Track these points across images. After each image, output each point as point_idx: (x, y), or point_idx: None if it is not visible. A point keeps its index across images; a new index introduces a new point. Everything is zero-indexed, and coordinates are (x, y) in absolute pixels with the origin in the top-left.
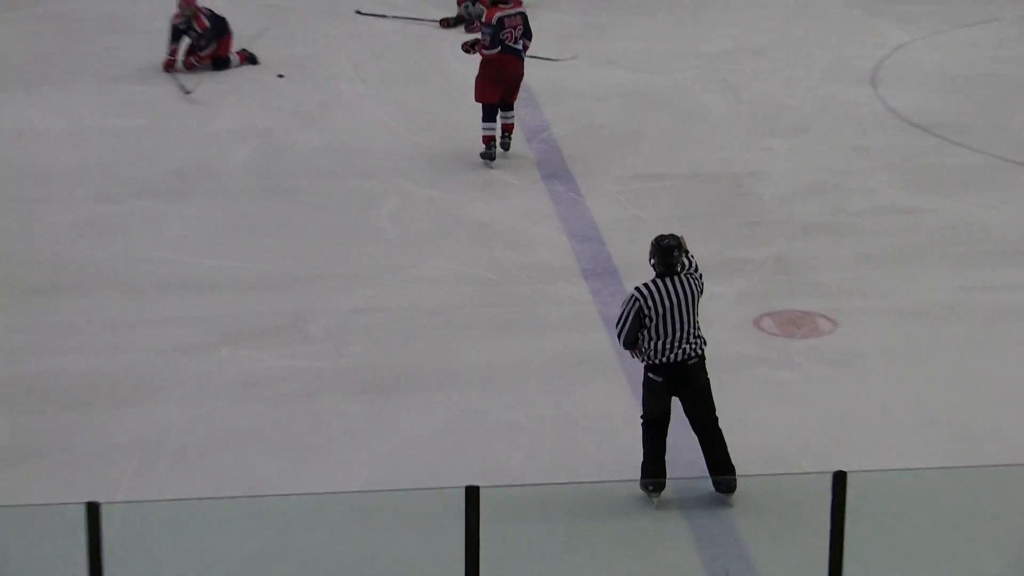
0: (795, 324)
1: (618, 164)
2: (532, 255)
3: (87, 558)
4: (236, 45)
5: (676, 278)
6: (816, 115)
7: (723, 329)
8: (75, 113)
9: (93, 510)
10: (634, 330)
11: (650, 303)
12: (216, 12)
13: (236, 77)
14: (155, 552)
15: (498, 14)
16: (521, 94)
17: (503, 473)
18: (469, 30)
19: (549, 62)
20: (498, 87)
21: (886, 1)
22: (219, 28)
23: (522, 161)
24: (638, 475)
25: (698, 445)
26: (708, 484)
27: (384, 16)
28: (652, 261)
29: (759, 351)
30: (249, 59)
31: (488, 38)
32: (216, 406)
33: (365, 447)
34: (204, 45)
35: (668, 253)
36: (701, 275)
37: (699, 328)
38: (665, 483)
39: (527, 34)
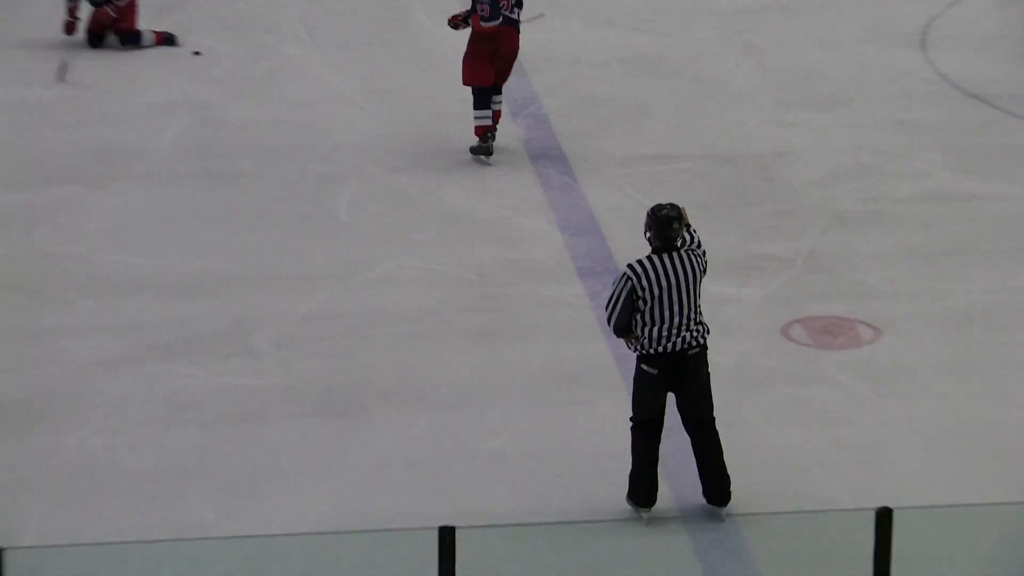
0: (831, 333)
1: (620, 143)
2: (519, 251)
3: None
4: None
5: (675, 254)
6: (855, 84)
7: (744, 339)
8: None
9: None
10: (626, 314)
11: (644, 283)
12: None
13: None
14: None
15: None
16: None
17: (483, 511)
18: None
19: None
20: (493, 67)
21: None
22: None
23: (506, 140)
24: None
25: (689, 447)
26: (707, 490)
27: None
28: (648, 234)
29: (787, 365)
30: (167, 40)
31: (488, 7)
32: (142, 432)
33: (320, 480)
34: None
35: (666, 225)
36: (704, 251)
37: (701, 313)
38: (656, 496)
39: (519, 1)
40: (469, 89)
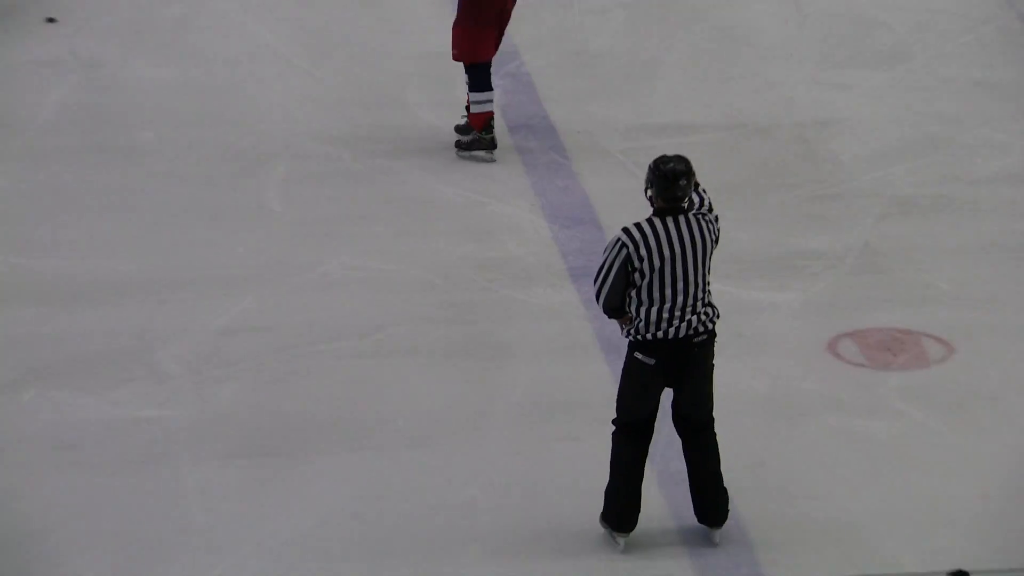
0: (889, 349)
1: (622, 110)
2: (494, 247)
3: None
4: None
5: (681, 218)
6: (918, 35)
7: (781, 357)
8: None
9: None
10: (619, 289)
11: (643, 251)
12: None
13: None
14: None
15: None
16: None
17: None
18: None
19: None
20: (495, 32)
21: None
22: None
23: None
24: None
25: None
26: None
27: None
28: (649, 193)
29: (835, 389)
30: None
31: None
32: (17, 478)
33: (246, 537)
34: None
35: (672, 181)
36: (717, 217)
37: (710, 292)
38: (636, 520)
39: None
40: (436, 52)
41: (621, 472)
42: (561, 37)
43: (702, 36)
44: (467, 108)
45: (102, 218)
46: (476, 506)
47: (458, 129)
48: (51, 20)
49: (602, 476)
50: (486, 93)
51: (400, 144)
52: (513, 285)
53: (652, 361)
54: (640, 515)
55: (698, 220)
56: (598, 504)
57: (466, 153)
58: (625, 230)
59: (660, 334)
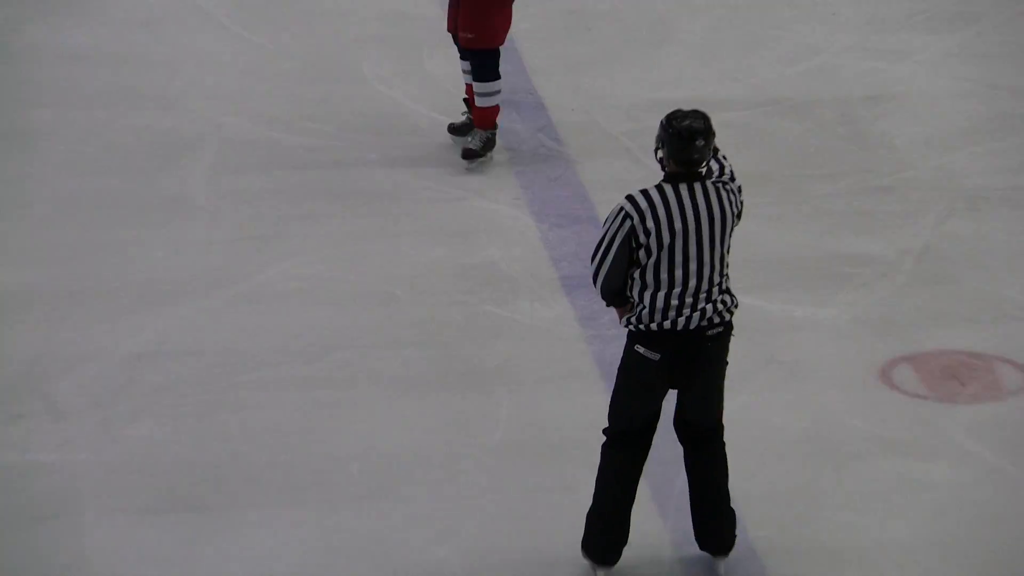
0: (956, 377)
1: (626, 83)
2: (472, 251)
3: None
4: None
5: (698, 186)
6: None
7: (823, 385)
8: None
9: None
10: (620, 269)
11: (651, 223)
12: None
13: None
14: None
15: None
16: None
17: None
18: None
19: None
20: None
21: None
22: None
23: (450, 82)
24: None
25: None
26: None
27: None
28: (659, 154)
29: (890, 425)
30: None
31: None
32: None
33: None
34: None
35: (688, 141)
36: (740, 188)
37: (728, 276)
38: (621, 552)
39: None
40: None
41: (610, 492)
42: None
43: None
44: (468, 103)
45: None
46: (445, 572)
47: (455, 130)
48: None
49: None
50: (498, 82)
51: (356, 125)
52: (494, 298)
53: (657, 356)
54: (629, 543)
55: (717, 189)
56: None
57: (476, 163)
58: (630, 198)
59: (668, 324)
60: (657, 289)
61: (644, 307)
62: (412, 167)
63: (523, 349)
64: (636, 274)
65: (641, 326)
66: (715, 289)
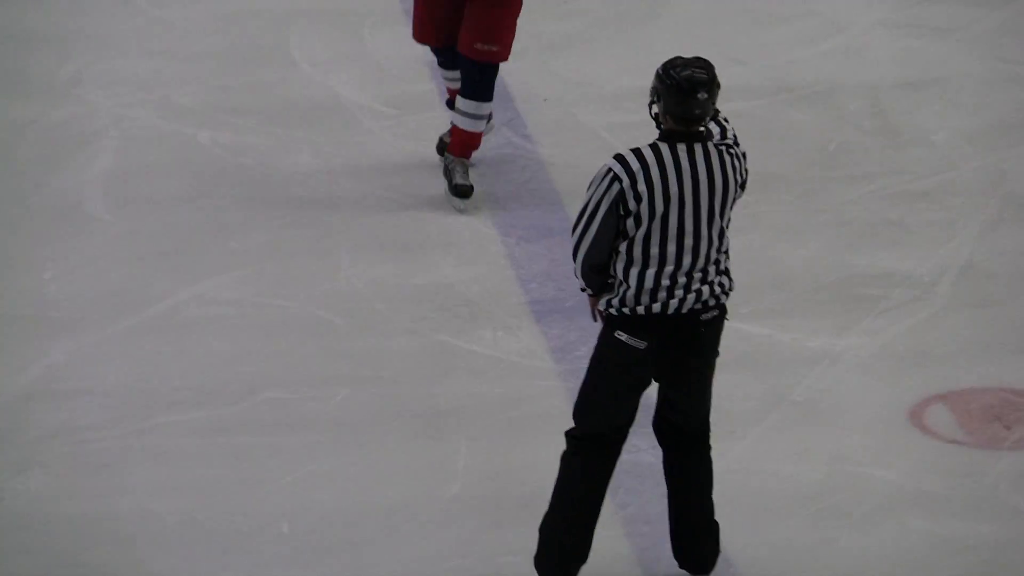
0: (999, 419)
1: (608, 66)
2: (423, 270)
3: None
4: None
5: (698, 148)
6: None
7: (843, 428)
8: None
9: None
10: (604, 241)
11: (642, 187)
12: None
13: None
14: None
15: None
16: None
17: None
18: None
19: None
20: None
21: None
22: None
23: (400, 68)
24: None
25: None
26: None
27: None
28: (654, 109)
29: (922, 476)
30: None
31: None
32: None
33: None
34: None
35: (688, 93)
36: (744, 154)
37: (727, 256)
38: (578, 571)
39: None
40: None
41: (569, 503)
42: None
43: None
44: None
45: None
46: None
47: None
48: None
49: None
50: (491, 104)
51: (284, 119)
52: (449, 326)
53: (642, 345)
54: (589, 563)
55: (720, 153)
56: None
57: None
58: (619, 157)
59: (657, 307)
60: (646, 266)
61: (629, 287)
62: (350, 168)
63: (484, 387)
64: (622, 247)
65: (625, 309)
66: (712, 268)
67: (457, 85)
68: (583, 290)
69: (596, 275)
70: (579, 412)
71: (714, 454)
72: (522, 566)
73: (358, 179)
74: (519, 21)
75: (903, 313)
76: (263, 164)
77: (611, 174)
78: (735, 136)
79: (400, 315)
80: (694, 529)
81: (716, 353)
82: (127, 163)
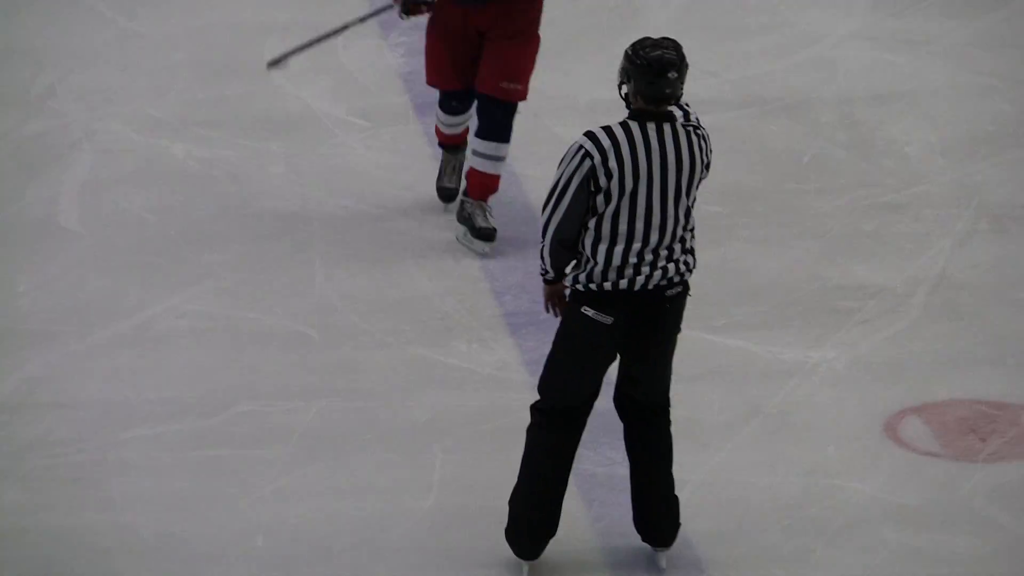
0: (975, 431)
1: (584, 78)
2: (397, 282)
3: None
4: None
5: (667, 127)
6: None
7: (818, 442)
8: None
9: None
10: (574, 218)
11: (612, 164)
12: None
13: None
14: None
15: None
16: None
17: None
18: None
19: None
20: None
21: None
22: None
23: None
24: None
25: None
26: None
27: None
28: (624, 89)
29: (897, 491)
30: None
31: None
32: None
33: None
34: None
35: (658, 74)
36: (708, 136)
37: (693, 235)
38: (546, 544)
39: None
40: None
41: (536, 478)
42: None
43: None
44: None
45: None
46: None
47: (448, 195)
48: None
49: None
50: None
51: (257, 131)
52: (424, 339)
53: (609, 320)
54: (558, 535)
55: (688, 133)
56: None
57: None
58: (589, 134)
59: (624, 283)
60: (613, 243)
61: (596, 264)
62: (326, 181)
63: (459, 399)
64: (591, 224)
65: (592, 285)
66: (677, 247)
67: (454, 131)
68: (543, 274)
69: (565, 251)
70: (545, 386)
71: (689, 466)
72: None
73: (332, 191)
74: None
75: (878, 325)
76: (237, 176)
77: (582, 151)
78: (697, 119)
79: (375, 327)
80: (655, 503)
81: (678, 329)
82: (101, 175)
